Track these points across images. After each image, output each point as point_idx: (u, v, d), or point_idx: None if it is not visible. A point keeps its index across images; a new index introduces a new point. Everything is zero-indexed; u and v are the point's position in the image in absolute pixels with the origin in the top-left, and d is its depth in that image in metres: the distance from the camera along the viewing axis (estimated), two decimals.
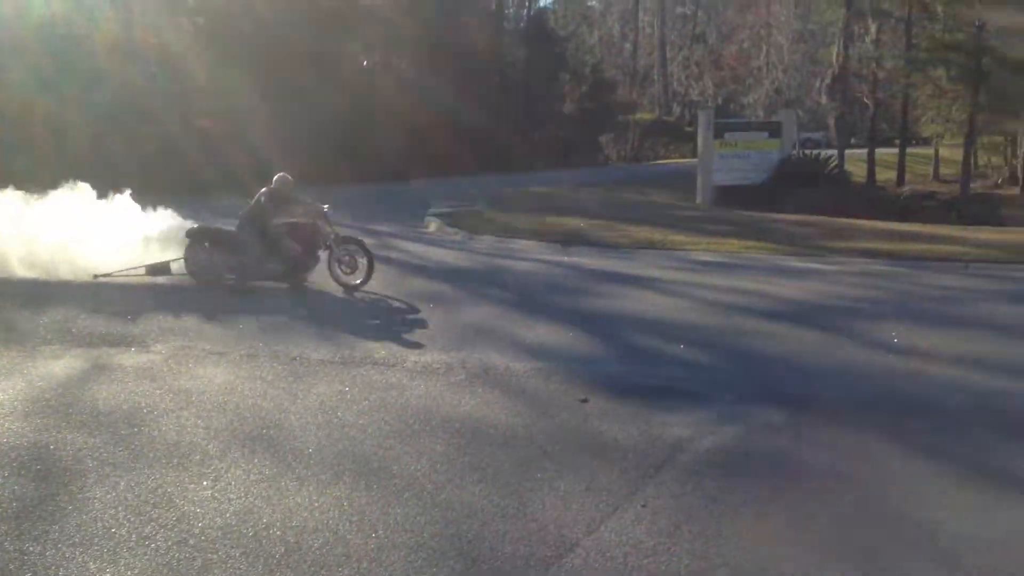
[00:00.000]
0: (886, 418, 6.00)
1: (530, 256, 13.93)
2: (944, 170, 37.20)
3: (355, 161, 27.80)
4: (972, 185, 30.97)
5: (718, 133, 23.98)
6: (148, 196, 12.10)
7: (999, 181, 35.17)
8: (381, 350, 7.78)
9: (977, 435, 5.65)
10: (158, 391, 6.55)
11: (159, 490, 4.79)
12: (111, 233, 11.26)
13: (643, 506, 4.61)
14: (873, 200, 25.48)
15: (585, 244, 15.24)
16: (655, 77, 61.80)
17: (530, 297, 10.44)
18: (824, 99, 36.07)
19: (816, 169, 24.70)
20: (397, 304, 10.06)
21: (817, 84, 39.48)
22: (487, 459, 5.24)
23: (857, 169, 30.34)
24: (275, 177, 10.86)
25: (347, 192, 22.39)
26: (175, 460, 5.21)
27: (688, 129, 48.64)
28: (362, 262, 10.68)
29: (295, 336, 8.29)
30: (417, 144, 31.17)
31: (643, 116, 52.53)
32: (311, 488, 4.82)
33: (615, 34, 64.94)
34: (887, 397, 6.49)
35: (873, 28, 33.78)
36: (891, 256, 13.68)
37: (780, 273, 12.43)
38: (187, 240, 10.84)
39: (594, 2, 66.36)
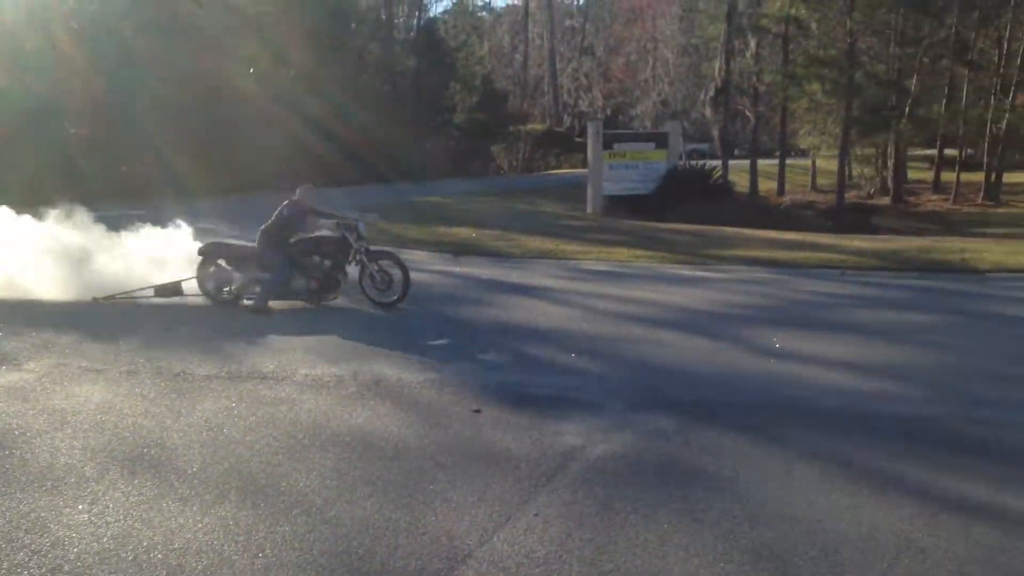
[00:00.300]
0: (769, 422, 6.19)
1: (422, 267, 13.87)
2: (821, 180, 38.85)
3: (241, 170, 27.23)
4: (847, 195, 32.40)
5: (607, 144, 24.37)
6: (27, 207, 11.60)
7: (871, 191, 36.88)
8: (269, 363, 7.61)
9: (852, 437, 5.88)
10: (30, 411, 6.25)
11: (31, 515, 4.56)
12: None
13: (535, 515, 4.63)
14: (756, 210, 26.41)
15: (477, 254, 15.29)
16: (545, 88, 62.69)
17: (422, 307, 10.39)
18: (708, 111, 37.12)
19: (701, 179, 25.36)
20: (287, 316, 9.87)
21: (702, 96, 40.63)
22: (378, 472, 5.18)
23: (740, 179, 31.34)
24: (298, 188, 10.30)
25: (233, 202, 21.92)
26: (49, 483, 4.97)
27: (578, 140, 49.37)
28: (397, 277, 10.21)
29: (180, 351, 8.03)
30: (308, 153, 30.73)
31: (534, 127, 53.17)
32: (195, 508, 4.67)
33: (505, 45, 65.61)
34: (770, 401, 6.70)
35: (753, 43, 35.03)
36: (773, 264, 14.17)
37: (668, 281, 12.73)
38: (199, 258, 10.21)
39: (484, 13, 66.87)
